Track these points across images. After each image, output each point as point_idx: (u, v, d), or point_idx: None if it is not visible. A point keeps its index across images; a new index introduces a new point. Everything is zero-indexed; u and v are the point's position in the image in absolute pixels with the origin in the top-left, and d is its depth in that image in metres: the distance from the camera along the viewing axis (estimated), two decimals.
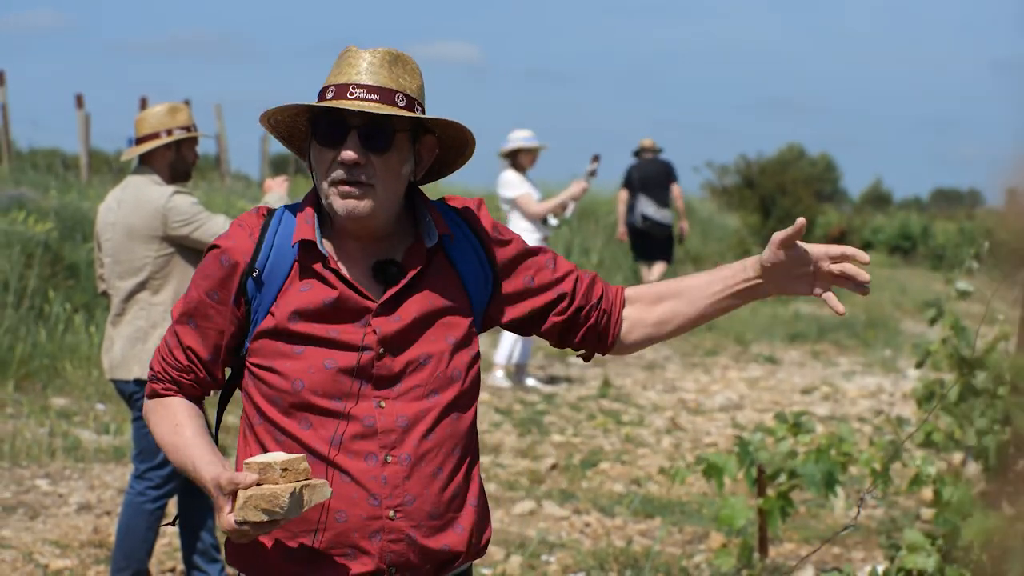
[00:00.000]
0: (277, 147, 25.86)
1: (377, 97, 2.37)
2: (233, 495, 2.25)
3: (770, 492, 5.35)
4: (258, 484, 2.23)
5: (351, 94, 2.37)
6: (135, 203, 5.05)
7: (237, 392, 2.57)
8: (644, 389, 10.81)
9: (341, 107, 2.35)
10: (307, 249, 2.44)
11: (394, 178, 2.43)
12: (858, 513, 3.47)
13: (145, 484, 5.07)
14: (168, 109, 5.13)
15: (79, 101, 16.89)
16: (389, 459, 2.41)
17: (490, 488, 7.21)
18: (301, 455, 2.28)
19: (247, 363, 2.47)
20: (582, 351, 2.70)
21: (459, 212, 2.58)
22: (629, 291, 2.68)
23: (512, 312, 2.61)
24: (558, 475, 7.71)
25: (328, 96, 2.40)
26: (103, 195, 12.60)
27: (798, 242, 2.49)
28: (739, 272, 2.58)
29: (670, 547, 6.25)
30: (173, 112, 5.12)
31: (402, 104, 2.39)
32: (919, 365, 5.99)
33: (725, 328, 14.36)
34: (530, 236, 9.81)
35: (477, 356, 2.54)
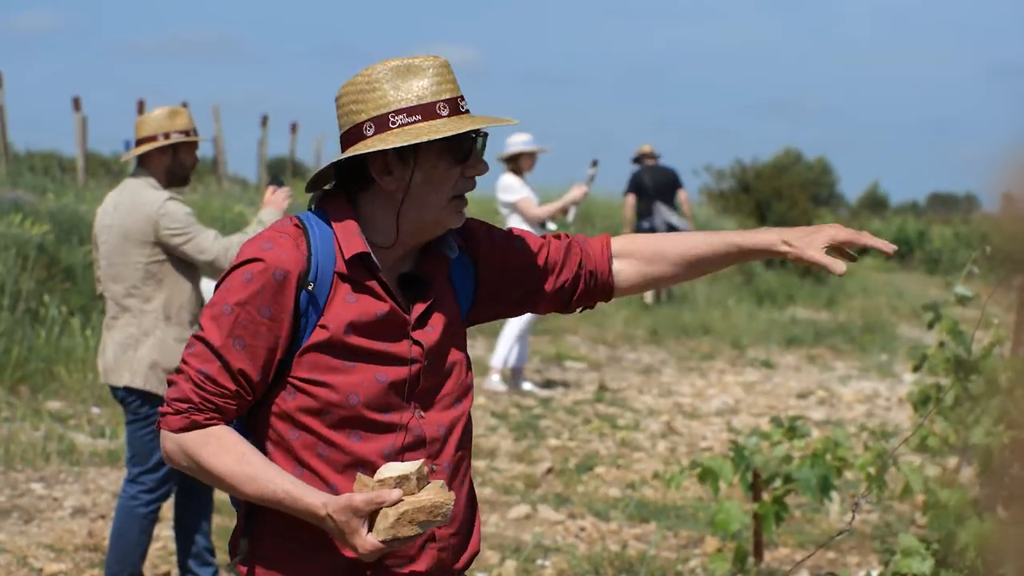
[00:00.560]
0: (275, 150, 25.88)
1: (471, 109, 2.44)
2: (370, 516, 2.22)
3: (765, 496, 5.34)
4: (401, 499, 2.20)
5: (462, 107, 2.41)
6: (131, 206, 5.04)
7: None
8: (640, 393, 10.81)
9: (502, 123, 2.40)
10: (356, 261, 2.41)
11: None
12: (853, 518, 3.47)
13: (138, 488, 5.06)
14: (168, 113, 5.11)
15: (76, 104, 16.88)
16: (435, 468, 2.43)
17: (486, 492, 7.20)
18: (421, 460, 2.27)
19: (288, 378, 2.39)
20: (583, 307, 2.72)
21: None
22: (617, 243, 2.68)
23: (490, 311, 2.63)
24: (554, 479, 7.70)
25: (443, 112, 2.39)
26: (100, 198, 12.59)
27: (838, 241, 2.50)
28: (751, 236, 2.59)
29: (665, 552, 6.24)
30: (172, 116, 5.09)
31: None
32: (915, 369, 5.98)
33: (721, 332, 14.37)
34: None
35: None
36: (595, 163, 10.33)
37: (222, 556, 5.56)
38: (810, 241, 2.51)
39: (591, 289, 2.67)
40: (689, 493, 7.31)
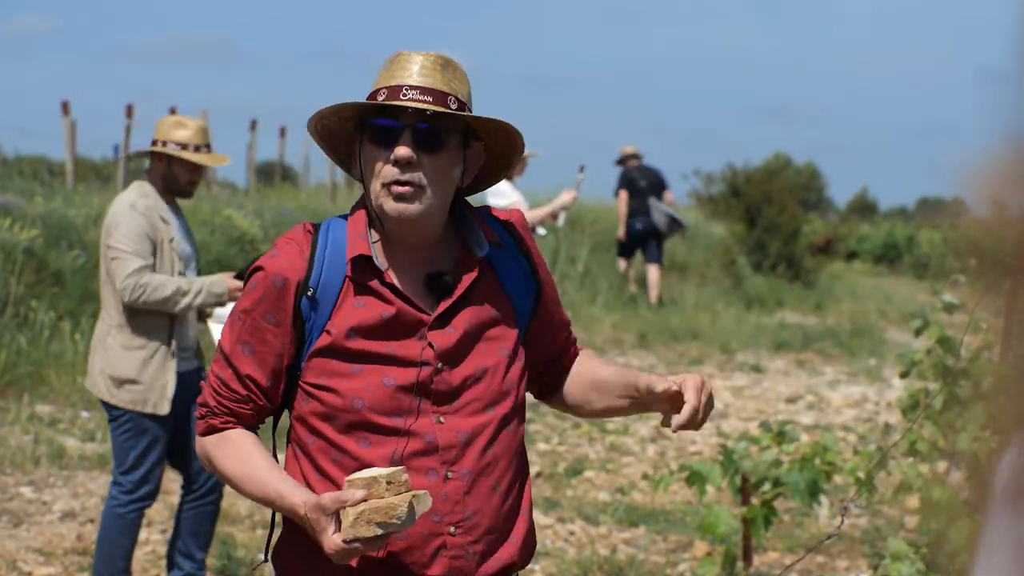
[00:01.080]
0: (263, 155, 25.85)
1: (430, 99, 2.32)
2: (337, 515, 2.20)
3: (754, 501, 5.35)
4: (364, 500, 2.18)
5: (404, 95, 2.32)
6: (112, 207, 5.04)
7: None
8: None
9: (398, 105, 2.31)
10: (361, 264, 2.38)
11: (445, 180, 2.38)
12: (842, 522, 3.49)
13: (117, 489, 5.04)
14: (174, 121, 5.04)
15: (65, 108, 16.85)
16: (450, 475, 2.37)
17: None
18: (401, 467, 2.23)
19: (300, 383, 2.40)
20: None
21: (503, 223, 2.55)
22: (578, 361, 2.68)
23: (539, 337, 2.59)
24: (543, 483, 7.71)
25: (380, 97, 2.34)
26: (88, 202, 12.59)
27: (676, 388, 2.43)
28: (636, 386, 2.51)
29: (654, 556, 6.25)
30: (177, 126, 5.00)
31: (454, 107, 2.35)
32: (904, 375, 6.00)
33: (710, 337, 14.38)
34: None
35: (525, 369, 2.52)
36: (583, 169, 10.35)
37: (212, 561, 5.56)
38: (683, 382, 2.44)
39: (548, 382, 2.68)
40: (678, 497, 7.32)
